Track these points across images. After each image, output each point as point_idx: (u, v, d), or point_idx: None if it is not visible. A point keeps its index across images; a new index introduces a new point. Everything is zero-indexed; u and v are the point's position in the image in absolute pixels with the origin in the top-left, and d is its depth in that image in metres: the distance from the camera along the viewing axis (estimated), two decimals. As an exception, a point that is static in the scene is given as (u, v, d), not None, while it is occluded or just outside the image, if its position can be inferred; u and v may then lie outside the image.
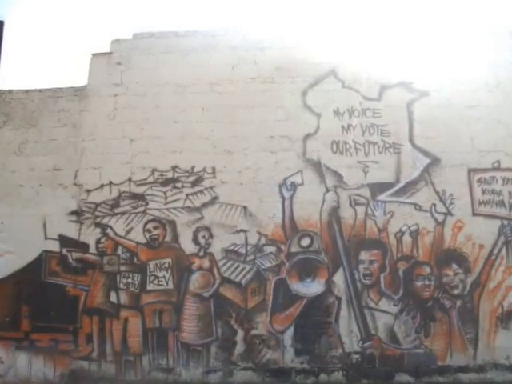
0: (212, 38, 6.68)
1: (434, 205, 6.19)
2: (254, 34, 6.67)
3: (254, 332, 6.04)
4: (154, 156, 6.46)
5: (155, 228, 6.30)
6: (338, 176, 6.27)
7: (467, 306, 6.04)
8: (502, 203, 6.15)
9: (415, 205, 6.19)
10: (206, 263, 6.17)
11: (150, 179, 6.43)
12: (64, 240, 6.41)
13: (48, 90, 6.86)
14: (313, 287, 6.09)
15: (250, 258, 6.17)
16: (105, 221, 6.38)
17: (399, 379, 5.90)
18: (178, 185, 6.38)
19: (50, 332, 6.23)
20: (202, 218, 6.28)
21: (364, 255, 6.11)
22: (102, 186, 6.45)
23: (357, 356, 6.00)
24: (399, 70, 6.40)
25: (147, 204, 6.39)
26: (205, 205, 6.31)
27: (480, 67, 6.33)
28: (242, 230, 6.25)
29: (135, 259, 6.26)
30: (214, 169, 6.38)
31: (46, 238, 6.45)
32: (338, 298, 6.07)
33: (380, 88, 6.44)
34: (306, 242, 6.17)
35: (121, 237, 6.34)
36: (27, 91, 6.84)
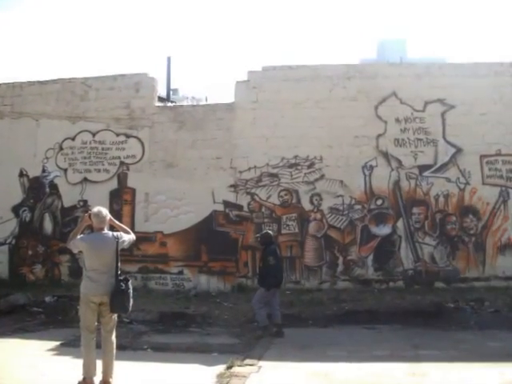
0: (314, 70, 8.86)
1: (458, 178, 8.51)
2: (343, 68, 8.82)
3: (349, 257, 8.52)
4: (283, 149, 8.76)
5: (286, 195, 8.76)
6: (398, 161, 8.63)
7: (479, 241, 8.37)
8: (500, 176, 8.45)
9: (446, 178, 8.54)
10: (319, 216, 8.71)
11: (281, 164, 8.80)
12: (226, 203, 8.77)
13: (208, 105, 9.09)
14: (384, 230, 8.58)
15: (346, 212, 8.62)
16: (253, 190, 8.72)
17: (437, 285, 8.32)
18: (299, 167, 8.73)
19: (221, 261, 8.65)
20: (315, 188, 8.69)
21: (415, 210, 8.57)
22: (250, 168, 8.79)
23: (411, 271, 8.42)
24: (436, 91, 8.59)
25: (280, 180, 8.72)
26: (316, 180, 8.71)
27: (487, 87, 8.35)
28: (340, 195, 8.64)
29: (273, 214, 8.69)
30: (321, 157, 8.76)
31: (214, 202, 8.79)
32: (400, 236, 8.50)
33: (424, 103, 8.69)
34: (379, 202, 8.65)
35: (264, 200, 8.68)
36: (193, 106, 9.15)
